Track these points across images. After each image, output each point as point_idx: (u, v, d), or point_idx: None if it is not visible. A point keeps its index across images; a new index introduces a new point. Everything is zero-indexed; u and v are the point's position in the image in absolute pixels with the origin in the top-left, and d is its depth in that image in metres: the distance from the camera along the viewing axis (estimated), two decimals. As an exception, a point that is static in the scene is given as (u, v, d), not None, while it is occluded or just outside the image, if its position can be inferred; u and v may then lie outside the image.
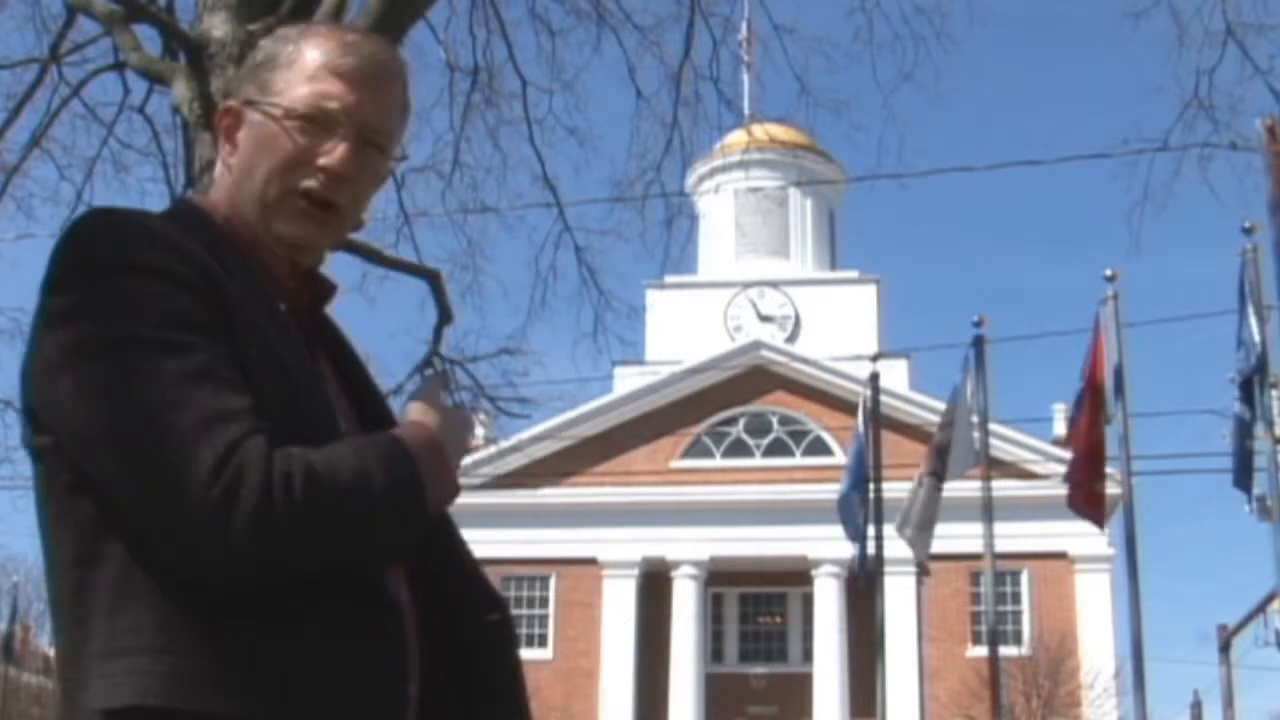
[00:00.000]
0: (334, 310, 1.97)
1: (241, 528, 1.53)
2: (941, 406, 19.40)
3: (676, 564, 34.56)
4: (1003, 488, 21.06)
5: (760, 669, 35.08)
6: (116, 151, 13.63)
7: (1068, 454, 17.40)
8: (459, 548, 1.87)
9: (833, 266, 40.46)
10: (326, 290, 1.93)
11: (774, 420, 35.95)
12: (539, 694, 28.86)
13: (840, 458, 28.75)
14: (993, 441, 18.69)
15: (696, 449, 35.85)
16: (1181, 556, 69.89)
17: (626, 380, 35.73)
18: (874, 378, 20.73)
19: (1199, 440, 78.82)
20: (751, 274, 38.85)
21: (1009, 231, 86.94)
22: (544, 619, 34.95)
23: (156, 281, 1.64)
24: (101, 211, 1.75)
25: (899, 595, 30.64)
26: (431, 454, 1.69)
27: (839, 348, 33.87)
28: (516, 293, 49.06)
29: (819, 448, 35.18)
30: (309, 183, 1.81)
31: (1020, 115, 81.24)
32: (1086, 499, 15.51)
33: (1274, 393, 13.13)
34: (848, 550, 21.95)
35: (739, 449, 35.79)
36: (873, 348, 29.62)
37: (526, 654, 18.60)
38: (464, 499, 1.97)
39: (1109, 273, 15.71)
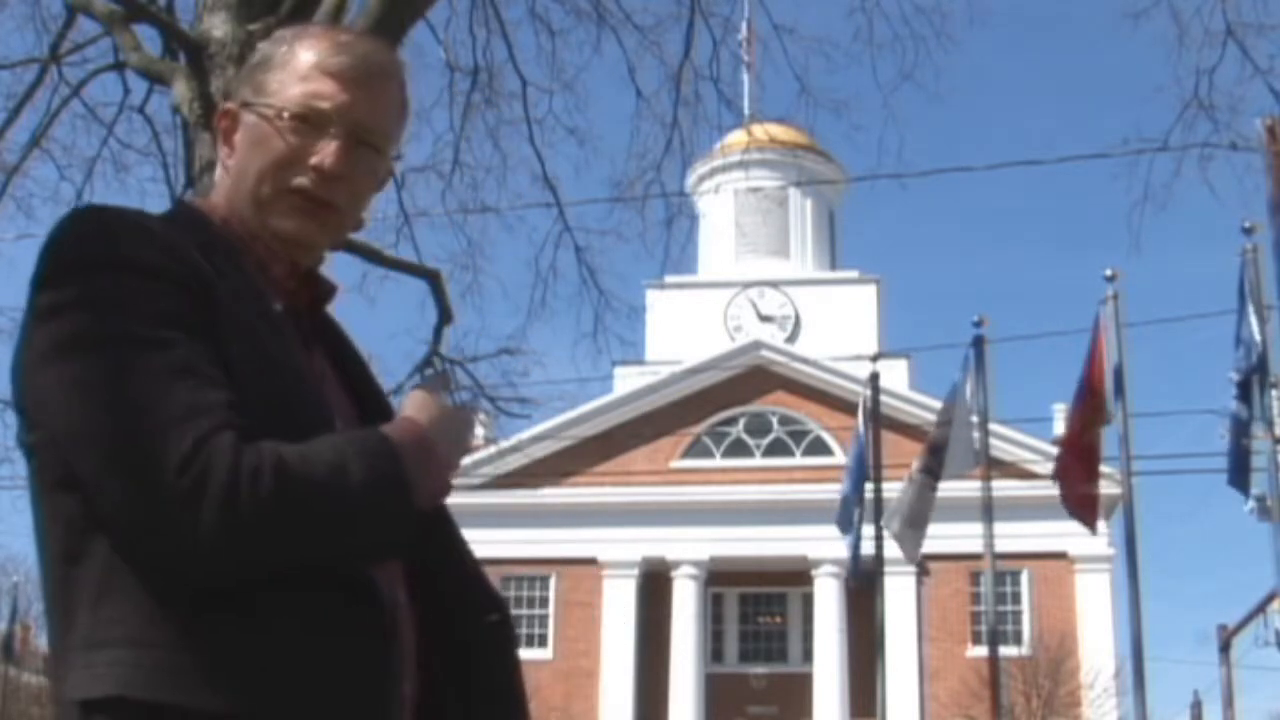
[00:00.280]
0: (334, 310, 1.97)
1: (209, 520, 1.53)
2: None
3: (676, 564, 34.55)
4: (1002, 488, 21.04)
5: (760, 669, 35.06)
6: (116, 151, 13.65)
7: (1065, 454, 17.38)
8: (459, 547, 1.87)
9: (833, 266, 40.46)
10: (327, 291, 1.93)
11: (774, 420, 35.94)
12: (539, 694, 28.85)
13: (840, 458, 28.76)
14: (993, 441, 18.69)
15: (696, 449, 35.84)
16: (1181, 556, 69.96)
17: (626, 380, 35.72)
18: (874, 378, 20.73)
19: (1199, 440, 78.94)
20: (751, 274, 38.84)
21: (1009, 231, 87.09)
22: (544, 619, 34.93)
23: (143, 278, 1.64)
24: (91, 208, 1.75)
25: (899, 595, 30.66)
26: (420, 450, 1.67)
27: (839, 348, 33.87)
28: (516, 293, 49.13)
29: (819, 448, 35.17)
30: (301, 181, 1.81)
31: (1020, 115, 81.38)
32: (1079, 501, 15.50)
33: (1274, 393, 13.14)
34: (848, 550, 21.93)
35: (739, 449, 35.77)
36: (873, 348, 29.62)
37: (526, 654, 18.62)
38: (464, 499, 1.97)
39: (1109, 272, 15.72)
